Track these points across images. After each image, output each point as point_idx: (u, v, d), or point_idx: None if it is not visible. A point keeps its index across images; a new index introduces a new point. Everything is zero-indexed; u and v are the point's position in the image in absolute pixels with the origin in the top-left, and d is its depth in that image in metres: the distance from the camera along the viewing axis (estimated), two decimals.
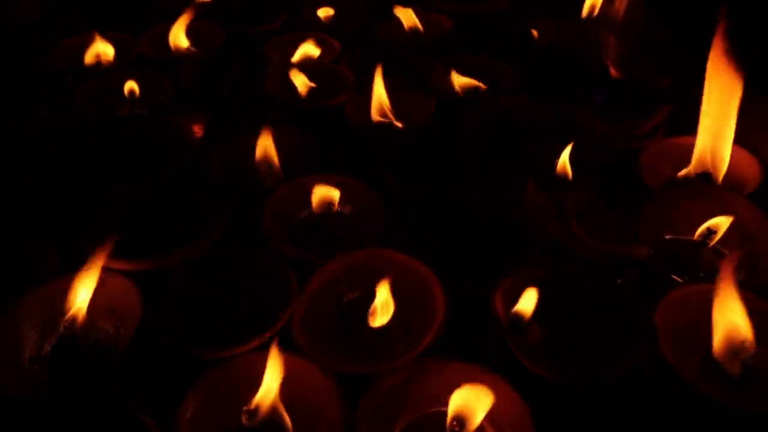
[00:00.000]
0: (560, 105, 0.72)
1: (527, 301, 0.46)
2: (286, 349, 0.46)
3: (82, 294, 0.47)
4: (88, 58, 0.78)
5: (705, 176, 0.61)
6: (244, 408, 0.41)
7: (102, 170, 0.65)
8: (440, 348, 0.46)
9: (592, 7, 0.88)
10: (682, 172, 0.62)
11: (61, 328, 0.46)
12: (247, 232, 0.57)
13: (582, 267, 0.53)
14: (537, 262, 0.52)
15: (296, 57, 0.81)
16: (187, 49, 0.82)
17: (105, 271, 0.49)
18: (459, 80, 0.76)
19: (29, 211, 0.62)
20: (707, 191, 0.59)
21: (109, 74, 0.76)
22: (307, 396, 0.43)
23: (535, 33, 0.86)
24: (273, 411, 0.42)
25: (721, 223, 0.54)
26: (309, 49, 0.82)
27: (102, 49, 0.78)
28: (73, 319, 0.46)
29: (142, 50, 0.81)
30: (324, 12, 0.92)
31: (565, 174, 0.63)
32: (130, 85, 0.72)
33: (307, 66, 0.78)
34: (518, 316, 0.46)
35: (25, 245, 0.59)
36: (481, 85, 0.75)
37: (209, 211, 0.59)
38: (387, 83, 0.70)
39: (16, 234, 0.60)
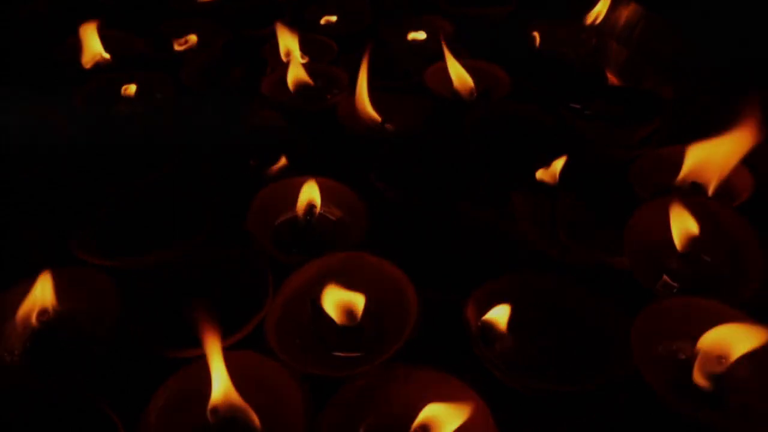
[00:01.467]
0: (556, 111, 0.71)
1: (499, 313, 0.46)
2: (258, 350, 0.46)
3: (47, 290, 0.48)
4: (86, 58, 0.79)
5: (696, 187, 0.60)
6: (208, 407, 0.41)
7: (92, 170, 0.66)
8: (412, 354, 0.46)
9: (596, 15, 0.87)
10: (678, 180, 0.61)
11: (36, 322, 0.46)
12: (232, 233, 0.57)
13: (559, 277, 0.52)
14: (513, 272, 0.51)
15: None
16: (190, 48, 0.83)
17: (84, 267, 0.50)
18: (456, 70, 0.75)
19: (21, 208, 0.63)
20: (696, 203, 0.58)
21: (108, 73, 0.77)
22: (272, 398, 0.43)
23: (537, 37, 0.86)
24: (239, 410, 0.42)
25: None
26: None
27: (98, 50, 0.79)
28: (45, 311, 0.46)
29: (143, 49, 0.83)
30: (326, 18, 0.93)
31: (554, 182, 0.62)
32: (125, 85, 0.73)
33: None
34: (488, 326, 0.46)
35: (12, 241, 0.60)
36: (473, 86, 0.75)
37: (197, 211, 0.59)
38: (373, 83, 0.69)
39: (3, 230, 0.61)
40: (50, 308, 0.47)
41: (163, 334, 0.49)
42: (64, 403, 0.44)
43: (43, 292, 0.49)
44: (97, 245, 0.56)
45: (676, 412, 0.42)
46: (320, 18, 0.93)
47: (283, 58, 0.78)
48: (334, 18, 0.92)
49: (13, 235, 0.61)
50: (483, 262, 0.56)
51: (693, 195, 0.59)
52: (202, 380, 0.43)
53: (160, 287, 0.53)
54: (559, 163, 0.60)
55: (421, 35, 0.87)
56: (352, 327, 0.48)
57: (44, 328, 0.47)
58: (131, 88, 0.75)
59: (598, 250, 0.56)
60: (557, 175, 0.62)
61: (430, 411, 0.40)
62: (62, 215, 0.61)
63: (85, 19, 0.85)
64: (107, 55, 0.80)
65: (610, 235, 0.57)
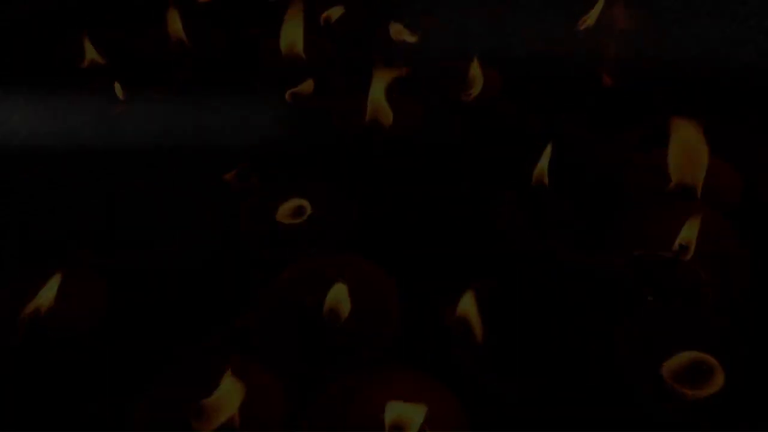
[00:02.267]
0: (548, 112, 0.71)
1: (476, 315, 0.46)
2: (243, 350, 0.47)
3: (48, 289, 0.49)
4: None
5: (687, 190, 0.60)
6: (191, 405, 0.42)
7: (92, 170, 0.67)
8: (394, 356, 0.47)
9: (591, 18, 0.87)
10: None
11: (26, 318, 0.47)
12: (225, 233, 0.58)
13: (548, 279, 0.52)
14: (500, 273, 0.52)
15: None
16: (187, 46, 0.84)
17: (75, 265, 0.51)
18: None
19: (21, 208, 0.64)
20: (687, 207, 0.58)
21: (107, 73, 0.78)
22: (254, 398, 0.44)
23: (534, 38, 0.86)
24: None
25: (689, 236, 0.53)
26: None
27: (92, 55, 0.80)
28: (37, 309, 0.47)
29: (142, 49, 0.84)
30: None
31: (544, 183, 0.62)
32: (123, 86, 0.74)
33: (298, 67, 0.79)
34: (467, 327, 0.46)
35: (12, 241, 0.61)
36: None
37: (191, 212, 0.60)
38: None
39: (3, 230, 0.62)
40: (43, 309, 0.48)
41: (153, 333, 0.50)
42: (53, 398, 0.46)
43: (47, 293, 0.50)
44: (94, 244, 0.57)
45: (663, 416, 0.42)
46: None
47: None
48: (334, 16, 0.92)
49: (13, 235, 0.62)
50: (469, 262, 0.57)
51: (684, 198, 0.59)
52: (190, 379, 0.44)
53: (151, 286, 0.54)
54: (547, 164, 0.61)
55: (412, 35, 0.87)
56: (335, 328, 0.48)
57: (32, 325, 0.48)
58: (129, 89, 0.76)
59: (587, 252, 0.56)
60: (547, 176, 0.62)
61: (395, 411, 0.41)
62: (62, 215, 0.63)
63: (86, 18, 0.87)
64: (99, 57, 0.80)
65: (600, 237, 0.57)
